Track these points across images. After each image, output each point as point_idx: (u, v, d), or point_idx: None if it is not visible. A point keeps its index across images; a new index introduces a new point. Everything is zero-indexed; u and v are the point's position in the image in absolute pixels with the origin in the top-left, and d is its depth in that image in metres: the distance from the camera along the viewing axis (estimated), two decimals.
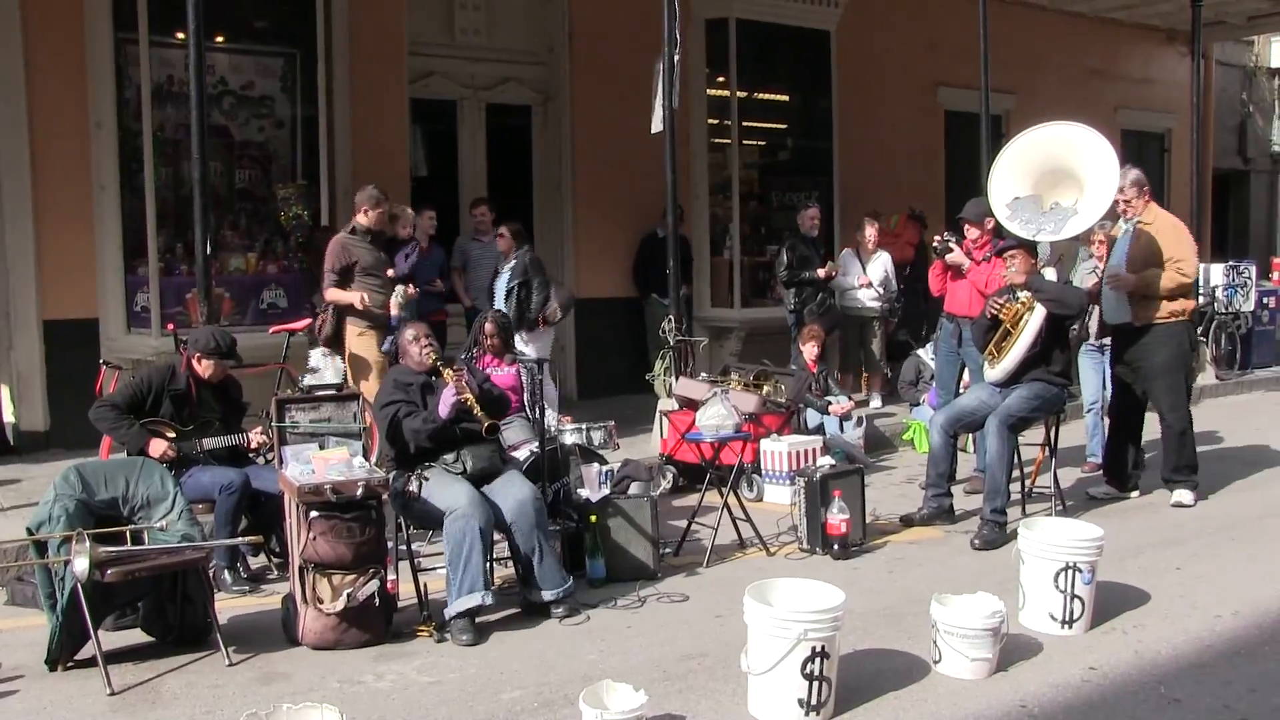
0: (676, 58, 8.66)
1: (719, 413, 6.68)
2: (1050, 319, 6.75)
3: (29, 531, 4.90)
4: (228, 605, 5.52)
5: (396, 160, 10.16)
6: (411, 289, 8.13)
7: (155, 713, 4.39)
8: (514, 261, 8.72)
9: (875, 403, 10.69)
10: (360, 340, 7.80)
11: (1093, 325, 8.08)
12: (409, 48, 10.22)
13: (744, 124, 12.00)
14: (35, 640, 4.91)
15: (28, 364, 8.68)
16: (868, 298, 10.56)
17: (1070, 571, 5.04)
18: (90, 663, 4.68)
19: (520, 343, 8.29)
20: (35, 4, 8.52)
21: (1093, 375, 8.43)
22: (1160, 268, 7.27)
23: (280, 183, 9.78)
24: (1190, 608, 5.41)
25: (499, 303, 8.57)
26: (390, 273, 8.01)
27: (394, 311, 7.87)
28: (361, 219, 7.88)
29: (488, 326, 7.19)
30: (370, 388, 7.28)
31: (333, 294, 7.81)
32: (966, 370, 7.93)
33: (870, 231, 10.60)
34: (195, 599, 5.05)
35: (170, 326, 8.28)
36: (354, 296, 7.72)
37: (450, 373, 5.54)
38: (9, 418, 8.68)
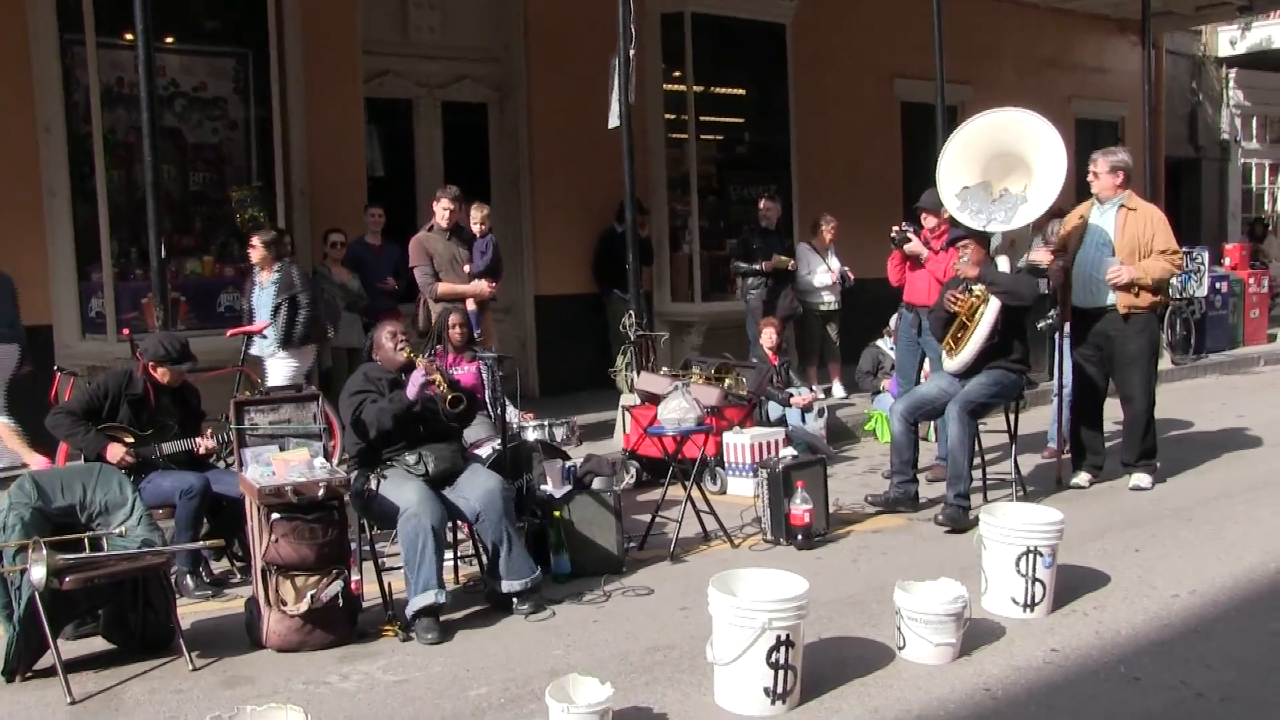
0: (632, 53, 8.67)
1: (680, 406, 6.70)
2: (1005, 309, 6.80)
3: None
4: (190, 610, 5.48)
5: (353, 160, 10.12)
6: (487, 284, 8.46)
7: (118, 719, 4.35)
8: (276, 275, 8.12)
9: (839, 391, 10.75)
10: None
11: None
12: (363, 47, 10.16)
13: (701, 118, 12.01)
14: None
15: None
16: (827, 293, 10.64)
17: (1031, 555, 5.08)
18: (50, 672, 4.62)
19: (279, 359, 8.08)
20: None
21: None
22: (1148, 255, 7.24)
23: (235, 185, 9.70)
24: (1149, 588, 5.48)
25: (262, 316, 8.15)
26: (467, 268, 8.38)
27: (470, 306, 8.23)
28: (438, 216, 8.42)
29: (454, 318, 7.21)
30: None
31: (445, 288, 8.26)
32: (927, 360, 7.99)
33: (826, 229, 10.66)
34: (157, 605, 5.00)
35: (125, 332, 8.17)
36: (475, 288, 8.29)
37: (422, 360, 5.54)
38: None
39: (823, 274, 10.61)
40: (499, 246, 8.77)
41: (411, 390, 5.47)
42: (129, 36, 7.74)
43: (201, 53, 9.49)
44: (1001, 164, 7.27)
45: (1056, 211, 8.49)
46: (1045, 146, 7.14)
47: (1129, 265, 7.23)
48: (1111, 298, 7.34)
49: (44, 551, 4.55)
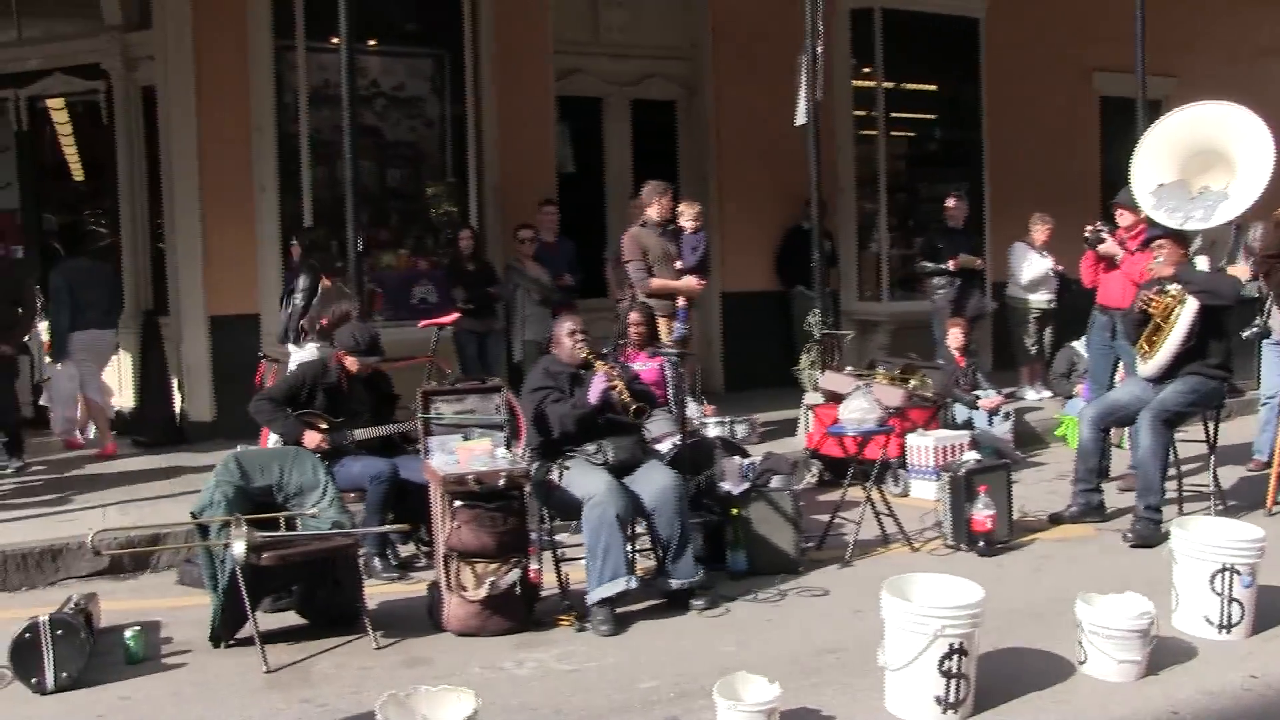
0: (819, 49, 8.59)
1: (861, 406, 6.62)
2: (1204, 310, 6.45)
3: (193, 515, 5.17)
4: (376, 591, 5.70)
5: (543, 157, 10.33)
6: (697, 280, 8.50)
7: (307, 690, 4.58)
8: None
9: (1032, 394, 10.47)
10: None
11: (1275, 323, 7.71)
12: (554, 46, 10.37)
13: (891, 115, 11.83)
14: (200, 619, 5.16)
15: (195, 357, 9.11)
16: (1045, 291, 10.42)
17: (1228, 573, 4.83)
18: (249, 641, 4.89)
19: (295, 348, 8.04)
20: (204, 15, 8.96)
21: (1276, 367, 7.97)
22: None
23: (430, 181, 10.03)
24: None
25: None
26: (678, 264, 8.47)
27: (681, 302, 8.37)
28: (652, 212, 8.45)
29: (633, 316, 7.29)
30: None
31: (658, 283, 8.38)
32: (1120, 364, 7.69)
33: (1038, 230, 10.37)
34: (345, 584, 5.24)
35: (325, 321, 8.56)
36: (686, 284, 8.36)
37: (602, 365, 5.62)
38: (180, 408, 9.12)
39: (1039, 270, 10.33)
40: (708, 243, 8.78)
41: (594, 395, 5.54)
42: (334, 40, 8.09)
43: (401, 54, 9.86)
44: (1200, 161, 6.88)
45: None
46: (1250, 139, 6.72)
47: None
48: None
49: (245, 528, 4.82)
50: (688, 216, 8.63)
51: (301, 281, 7.97)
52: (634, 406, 5.50)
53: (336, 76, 8.43)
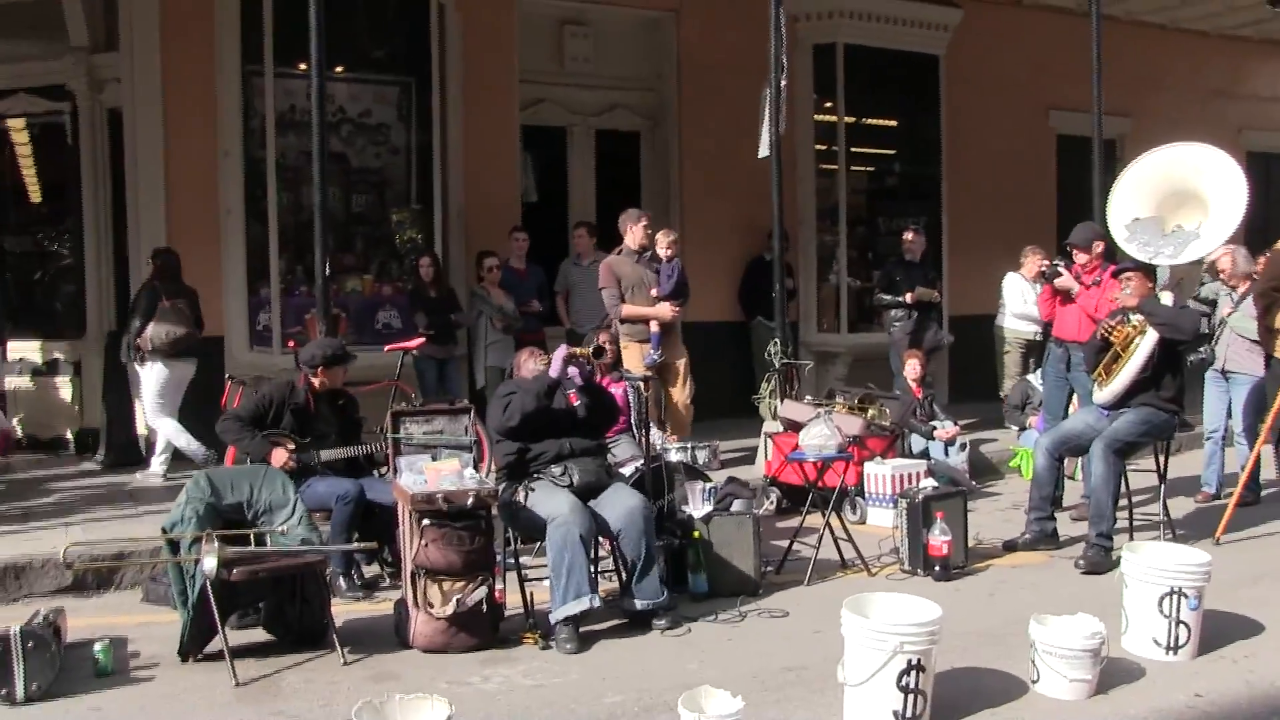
0: (783, 83, 8.76)
1: (822, 433, 6.74)
2: (1163, 343, 6.65)
3: (164, 531, 5.19)
4: (342, 610, 5.72)
5: (508, 186, 10.43)
6: (670, 307, 8.61)
7: (276, 703, 4.63)
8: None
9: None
10: (625, 353, 8.35)
11: (1220, 351, 7.94)
12: (520, 75, 10.49)
13: (852, 149, 11.99)
14: (168, 635, 5.19)
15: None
16: (1032, 323, 10.58)
17: (1175, 596, 4.98)
18: (218, 656, 4.93)
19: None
20: (172, 39, 9.02)
21: (1217, 403, 8.24)
22: None
23: (395, 207, 10.10)
24: None
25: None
26: (653, 291, 8.56)
27: (653, 329, 8.49)
28: (629, 240, 8.65)
29: (603, 337, 7.40)
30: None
31: (630, 310, 8.54)
32: (1075, 396, 7.87)
33: (1029, 262, 10.51)
34: (313, 601, 5.29)
35: (291, 344, 8.60)
36: (658, 311, 8.46)
37: (565, 346, 5.80)
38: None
39: (1027, 304, 10.50)
40: (684, 270, 8.93)
41: (555, 369, 5.68)
42: (302, 66, 8.16)
43: (368, 81, 9.89)
44: (1175, 200, 7.14)
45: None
46: (1224, 183, 6.97)
47: None
48: None
49: (216, 544, 4.87)
50: (663, 244, 8.75)
51: (143, 302, 8.24)
52: (593, 347, 5.69)
53: (304, 102, 8.52)
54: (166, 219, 9.00)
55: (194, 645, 5.07)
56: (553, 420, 5.76)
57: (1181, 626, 5.02)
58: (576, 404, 5.84)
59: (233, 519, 5.35)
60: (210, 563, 4.82)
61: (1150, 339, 6.66)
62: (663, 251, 8.72)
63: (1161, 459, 7.09)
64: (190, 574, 5.02)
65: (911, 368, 9.35)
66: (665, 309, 8.60)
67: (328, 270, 7.49)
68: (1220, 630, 5.29)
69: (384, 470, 6.43)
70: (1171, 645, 5.03)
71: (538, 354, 5.98)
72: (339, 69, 9.56)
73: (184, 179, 9.02)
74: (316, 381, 6.41)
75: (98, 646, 4.96)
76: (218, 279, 9.12)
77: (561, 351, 5.71)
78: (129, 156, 9.26)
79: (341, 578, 6.13)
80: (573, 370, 5.82)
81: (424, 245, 9.87)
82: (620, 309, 8.55)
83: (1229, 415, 8.17)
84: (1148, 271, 7.01)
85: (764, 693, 4.62)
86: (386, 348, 8.65)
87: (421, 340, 8.59)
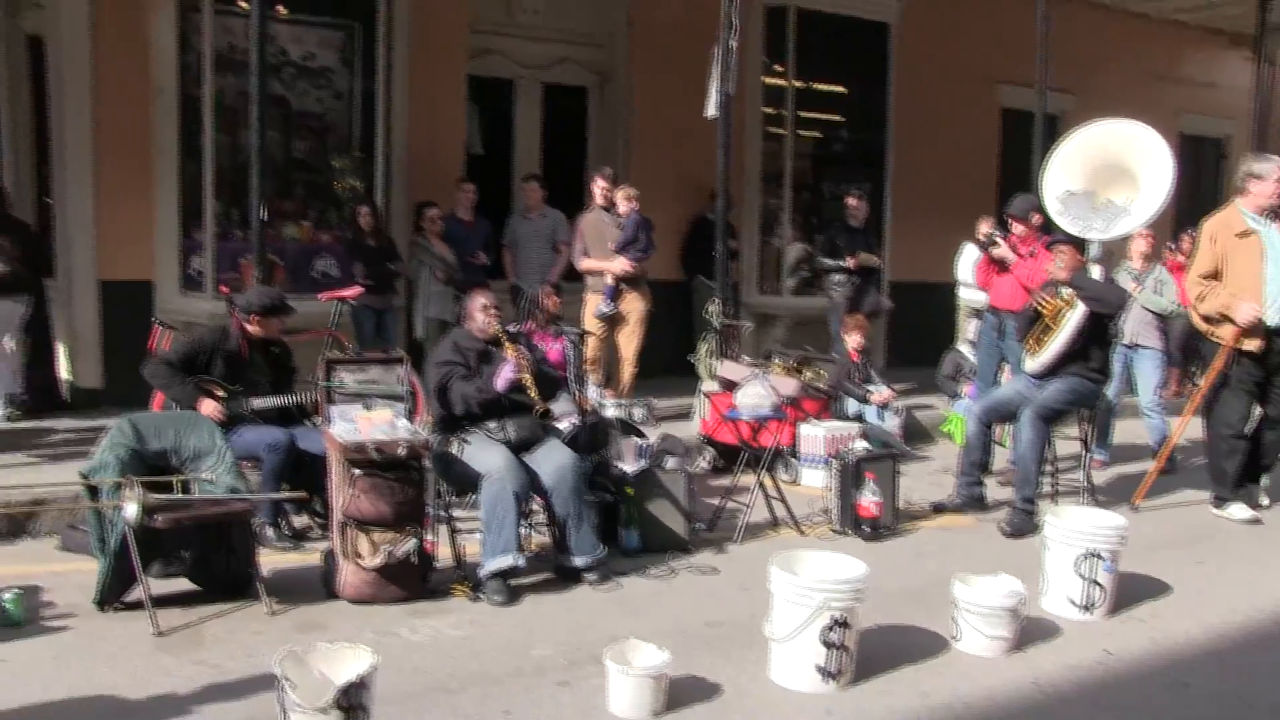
0: (734, 43, 8.72)
1: (758, 392, 6.79)
2: (1091, 316, 6.79)
3: (83, 476, 5.06)
4: (270, 560, 5.67)
5: (453, 136, 10.28)
6: (628, 262, 8.83)
7: (199, 653, 4.57)
8: None
9: None
10: (585, 305, 8.95)
11: (1127, 326, 8.09)
12: (469, 25, 10.34)
13: (799, 113, 12.01)
14: (85, 584, 5.10)
15: (84, 323, 8.88)
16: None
17: (1092, 558, 5.12)
18: (138, 605, 4.86)
19: None
20: None
21: (1117, 376, 8.39)
22: None
23: (336, 154, 9.95)
24: (1210, 601, 5.47)
25: None
26: (610, 245, 8.82)
27: (608, 281, 8.79)
28: (596, 195, 9.07)
29: (543, 290, 7.38)
30: (590, 345, 8.48)
31: (587, 263, 8.95)
32: (1006, 365, 7.97)
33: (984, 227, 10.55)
34: (239, 551, 5.22)
35: (224, 290, 8.44)
36: (615, 265, 8.75)
37: (512, 349, 5.69)
38: (65, 375, 8.91)
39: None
40: (650, 224, 9.07)
41: (500, 384, 5.61)
42: (244, 4, 7.97)
43: (311, 23, 9.72)
44: (1109, 174, 7.25)
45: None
46: (1155, 161, 7.09)
47: None
48: None
49: (138, 490, 4.78)
50: (620, 199, 8.93)
51: None
52: (542, 409, 5.65)
53: (243, 41, 8.35)
54: (94, 157, 8.69)
55: (113, 594, 4.98)
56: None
57: (1096, 587, 5.16)
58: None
59: (158, 465, 5.25)
60: (132, 509, 4.73)
61: (1079, 312, 6.78)
62: (621, 206, 8.87)
63: (1086, 426, 7.22)
64: (111, 520, 4.93)
65: (855, 339, 9.37)
66: (620, 263, 8.81)
67: (264, 215, 7.36)
68: (1133, 591, 5.45)
69: (316, 420, 6.36)
70: (1086, 605, 5.17)
71: (490, 308, 5.88)
72: (280, 9, 9.38)
73: (114, 116, 8.70)
74: (251, 329, 6.30)
75: (7, 596, 4.83)
76: (149, 222, 8.90)
77: (509, 371, 5.63)
78: (54, 89, 8.91)
79: (270, 527, 6.07)
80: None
81: (364, 193, 9.76)
82: (580, 262, 8.89)
83: (1131, 388, 8.47)
84: (1079, 245, 7.10)
85: (691, 647, 4.65)
86: (323, 296, 8.53)
87: (358, 290, 8.49)
